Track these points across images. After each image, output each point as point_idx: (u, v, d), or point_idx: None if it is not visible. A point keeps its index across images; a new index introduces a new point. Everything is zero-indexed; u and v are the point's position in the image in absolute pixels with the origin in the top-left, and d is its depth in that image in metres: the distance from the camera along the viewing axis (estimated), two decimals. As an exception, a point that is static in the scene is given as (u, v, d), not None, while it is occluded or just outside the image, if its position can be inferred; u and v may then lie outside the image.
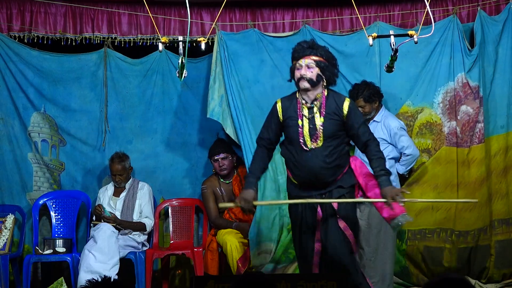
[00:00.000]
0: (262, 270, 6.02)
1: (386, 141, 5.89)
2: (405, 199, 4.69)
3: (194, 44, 4.86)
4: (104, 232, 5.94)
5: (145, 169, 6.62)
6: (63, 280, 5.76)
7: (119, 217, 6.24)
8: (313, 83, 4.81)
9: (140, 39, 6.52)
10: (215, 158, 6.33)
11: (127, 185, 6.38)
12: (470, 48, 6.29)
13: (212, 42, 6.34)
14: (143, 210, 6.35)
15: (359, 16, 6.06)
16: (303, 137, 4.83)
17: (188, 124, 6.68)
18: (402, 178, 6.12)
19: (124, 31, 6.52)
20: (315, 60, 4.82)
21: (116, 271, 5.86)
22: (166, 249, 6.42)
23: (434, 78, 6.31)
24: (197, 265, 6.12)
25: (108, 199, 6.35)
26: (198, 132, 6.69)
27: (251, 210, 5.18)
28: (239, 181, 6.40)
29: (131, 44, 6.53)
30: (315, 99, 4.84)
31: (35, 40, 6.45)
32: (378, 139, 5.74)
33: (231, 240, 6.06)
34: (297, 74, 4.84)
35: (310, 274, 4.85)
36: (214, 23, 6.09)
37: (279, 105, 4.95)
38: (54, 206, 6.43)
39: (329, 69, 4.85)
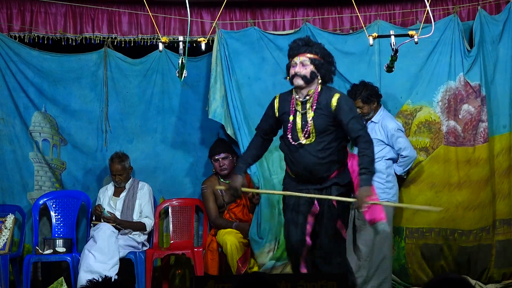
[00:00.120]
0: (263, 268, 6.02)
1: (384, 142, 5.90)
2: (370, 202, 4.67)
3: (194, 44, 4.86)
4: (104, 232, 5.94)
5: (145, 169, 6.62)
6: (63, 280, 5.75)
7: (119, 217, 6.24)
8: (307, 80, 4.86)
9: (140, 39, 6.52)
10: (216, 158, 6.33)
11: (127, 185, 6.38)
12: (469, 48, 6.29)
13: (212, 42, 6.34)
14: (143, 210, 6.35)
15: (359, 15, 6.06)
16: (295, 132, 4.88)
17: (188, 123, 6.68)
18: (401, 179, 6.12)
19: (124, 31, 6.52)
20: (309, 58, 4.87)
21: (116, 271, 5.86)
22: (166, 249, 6.43)
23: (434, 77, 6.31)
24: (197, 265, 6.12)
25: (108, 199, 6.35)
26: (198, 132, 6.69)
27: (239, 196, 5.28)
28: (239, 181, 6.39)
29: (131, 44, 6.53)
30: (308, 95, 4.88)
31: (36, 40, 6.45)
32: (375, 140, 5.80)
33: (231, 240, 6.05)
34: (292, 71, 4.90)
35: (310, 274, 4.86)
36: (215, 22, 6.09)
37: (276, 100, 5.04)
38: (54, 206, 6.43)
39: (324, 66, 4.89)
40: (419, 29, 5.28)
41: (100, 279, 2.86)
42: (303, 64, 4.85)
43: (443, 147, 6.27)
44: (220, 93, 6.32)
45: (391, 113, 6.21)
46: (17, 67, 6.43)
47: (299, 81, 4.86)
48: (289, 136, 4.91)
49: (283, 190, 5.10)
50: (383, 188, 5.84)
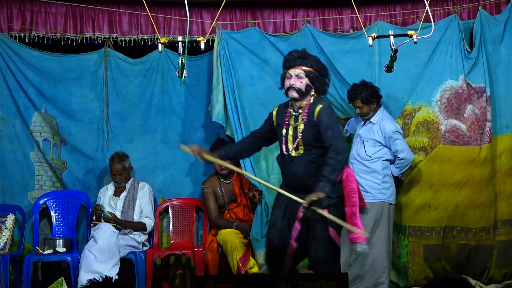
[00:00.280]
0: (263, 268, 6.02)
1: (381, 143, 5.90)
2: (313, 207, 4.71)
3: (194, 44, 4.86)
4: (104, 232, 5.94)
5: (145, 169, 6.62)
6: (63, 280, 5.75)
7: (119, 217, 6.24)
8: (302, 93, 4.96)
9: (140, 39, 6.53)
10: (216, 158, 6.33)
11: (128, 185, 6.38)
12: (469, 50, 6.28)
13: (213, 41, 6.34)
14: (143, 210, 6.35)
15: (358, 16, 6.06)
16: (286, 145, 4.98)
17: (188, 123, 6.68)
18: (398, 181, 6.12)
19: (124, 31, 6.52)
20: (305, 70, 4.97)
21: (117, 271, 5.87)
22: (166, 249, 6.43)
23: (434, 77, 6.30)
24: (197, 265, 6.12)
25: (108, 199, 6.35)
26: (198, 132, 6.69)
27: (203, 159, 5.23)
28: (239, 181, 6.40)
29: (132, 44, 6.54)
30: (300, 108, 4.98)
31: (36, 40, 6.45)
32: (372, 141, 5.85)
33: (231, 240, 6.05)
34: (287, 83, 4.99)
35: (310, 274, 4.86)
36: (214, 21, 6.09)
37: (274, 112, 5.16)
38: (54, 206, 6.43)
39: (318, 79, 4.98)
40: (418, 28, 5.28)
41: (101, 279, 2.86)
42: (298, 77, 4.95)
43: (441, 146, 6.27)
44: (222, 94, 6.31)
45: (394, 114, 6.22)
46: (17, 67, 6.43)
47: (294, 94, 4.96)
48: (283, 148, 5.01)
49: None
50: (379, 189, 5.85)
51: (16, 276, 6.23)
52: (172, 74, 6.50)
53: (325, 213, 4.80)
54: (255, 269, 6.01)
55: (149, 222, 6.34)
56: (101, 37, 6.50)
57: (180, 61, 4.60)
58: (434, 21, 5.81)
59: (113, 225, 6.06)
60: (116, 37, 6.50)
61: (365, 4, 6.49)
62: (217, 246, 6.25)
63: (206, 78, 6.58)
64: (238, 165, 6.03)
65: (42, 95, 6.49)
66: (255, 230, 6.08)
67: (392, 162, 5.95)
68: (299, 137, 4.92)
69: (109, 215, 6.14)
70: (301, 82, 4.94)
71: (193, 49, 5.43)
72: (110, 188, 6.41)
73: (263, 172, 6.25)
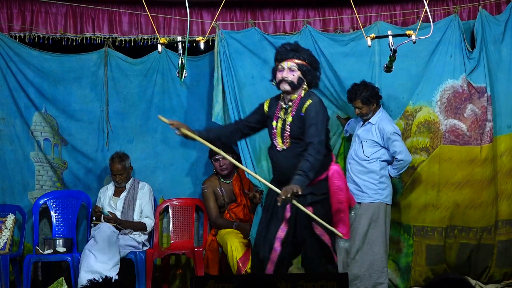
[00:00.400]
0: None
1: (379, 144, 5.89)
2: (294, 202, 4.67)
3: (194, 44, 4.85)
4: (104, 232, 5.94)
5: (145, 169, 6.62)
6: (64, 280, 5.76)
7: (119, 217, 6.24)
8: (294, 86, 4.94)
9: (140, 39, 6.53)
10: (216, 158, 6.33)
11: (128, 185, 6.39)
12: (470, 49, 6.28)
13: (213, 41, 6.34)
14: (143, 210, 6.35)
15: (357, 16, 6.06)
16: (276, 138, 4.96)
17: (188, 123, 6.62)
18: (399, 181, 6.13)
19: (124, 31, 6.52)
20: (297, 63, 4.95)
21: (117, 271, 5.86)
22: (166, 249, 6.43)
23: (434, 77, 6.30)
24: (197, 265, 6.13)
25: (108, 199, 6.35)
26: (198, 131, 6.69)
27: (181, 132, 5.10)
28: (239, 181, 6.40)
29: (132, 44, 6.54)
30: (291, 100, 4.95)
31: (36, 40, 6.45)
32: (370, 141, 5.83)
33: (231, 240, 6.05)
34: (279, 76, 4.97)
35: (310, 274, 4.86)
36: (214, 21, 6.09)
37: (266, 104, 5.12)
38: (54, 206, 6.44)
39: (311, 72, 4.96)
40: (416, 28, 5.28)
41: (101, 279, 2.86)
42: (291, 70, 4.93)
43: (442, 146, 6.27)
44: (221, 94, 6.30)
45: (395, 114, 6.23)
46: (18, 67, 6.43)
47: (286, 87, 4.94)
48: (273, 141, 4.99)
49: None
50: (375, 189, 5.85)
51: (16, 276, 6.23)
52: (173, 74, 6.50)
53: (306, 210, 4.76)
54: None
55: (149, 222, 6.34)
56: (101, 37, 6.50)
57: (180, 61, 4.60)
58: (434, 21, 5.83)
59: (113, 225, 6.06)
60: (116, 37, 6.51)
61: (365, 4, 6.50)
62: (217, 246, 6.25)
63: (207, 78, 6.58)
64: (238, 160, 6.05)
65: (42, 95, 6.50)
66: (255, 230, 6.07)
67: (390, 163, 5.95)
68: (288, 130, 4.90)
69: (109, 215, 6.14)
70: (293, 75, 4.92)
71: (193, 49, 5.43)
72: (110, 188, 6.42)
73: (264, 172, 6.23)
